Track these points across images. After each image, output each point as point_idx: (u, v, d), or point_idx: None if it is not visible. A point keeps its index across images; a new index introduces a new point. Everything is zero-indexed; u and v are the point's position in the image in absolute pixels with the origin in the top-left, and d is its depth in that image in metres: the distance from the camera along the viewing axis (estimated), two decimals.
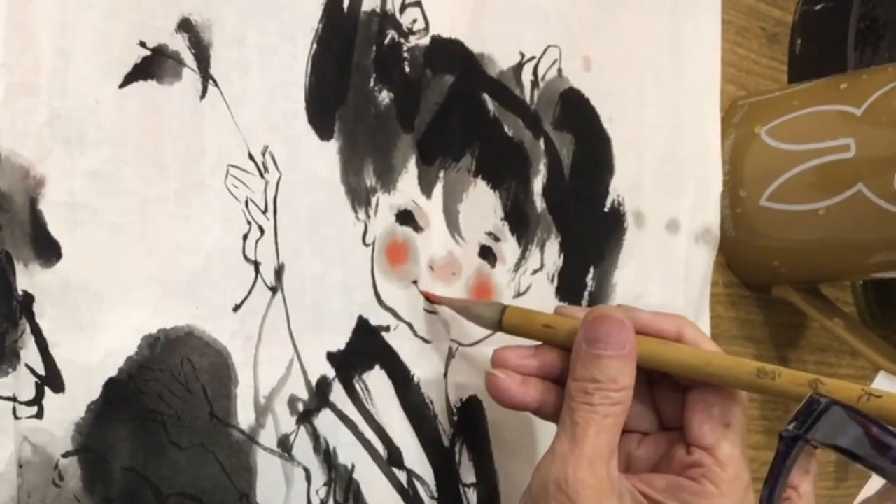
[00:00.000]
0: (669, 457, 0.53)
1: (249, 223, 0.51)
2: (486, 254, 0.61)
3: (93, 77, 0.46)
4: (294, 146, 0.53)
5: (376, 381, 0.56)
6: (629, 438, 0.55)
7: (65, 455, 0.45)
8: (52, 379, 0.45)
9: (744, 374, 0.51)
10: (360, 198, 0.56)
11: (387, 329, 0.57)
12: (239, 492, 0.50)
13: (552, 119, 0.65)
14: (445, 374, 0.59)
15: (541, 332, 0.55)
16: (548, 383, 0.54)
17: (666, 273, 0.71)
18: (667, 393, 0.55)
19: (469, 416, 0.60)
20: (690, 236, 0.73)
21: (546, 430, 0.60)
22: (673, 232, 0.71)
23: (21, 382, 0.44)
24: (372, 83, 0.56)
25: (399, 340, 0.57)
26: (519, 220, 0.62)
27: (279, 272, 0.52)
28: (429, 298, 0.58)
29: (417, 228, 0.58)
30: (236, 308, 0.51)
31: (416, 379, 0.58)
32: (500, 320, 0.56)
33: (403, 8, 0.58)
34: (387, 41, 0.57)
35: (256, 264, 0.52)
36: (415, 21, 0.58)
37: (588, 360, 0.51)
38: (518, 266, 0.63)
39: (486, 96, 0.61)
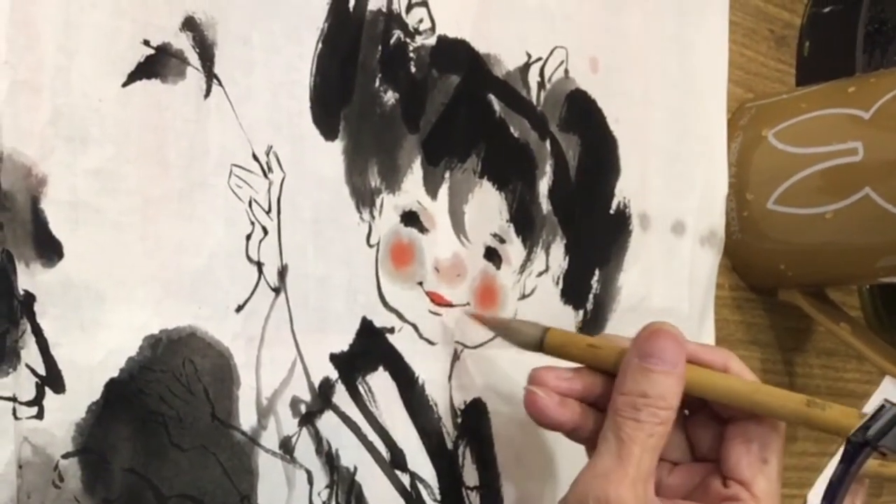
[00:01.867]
0: (704, 487, 0.53)
1: (253, 223, 0.51)
2: (492, 255, 0.61)
3: (96, 75, 0.46)
4: (298, 146, 0.53)
5: (380, 383, 0.56)
6: (660, 466, 0.54)
7: (65, 456, 0.45)
8: (52, 379, 0.44)
9: (792, 403, 0.50)
10: (364, 198, 0.55)
11: (391, 330, 0.56)
12: (240, 494, 0.50)
13: (558, 120, 0.64)
14: (450, 377, 0.59)
15: (584, 352, 0.54)
16: (584, 406, 0.54)
17: (671, 276, 0.71)
18: (703, 424, 0.55)
19: (473, 418, 0.60)
20: (696, 239, 0.72)
21: (549, 432, 0.60)
22: (678, 234, 0.71)
23: (21, 382, 0.44)
24: (377, 83, 0.56)
25: (403, 342, 0.57)
26: (524, 221, 0.62)
27: (282, 273, 0.52)
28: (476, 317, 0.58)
29: (422, 229, 0.58)
30: (239, 309, 0.50)
31: (420, 381, 0.57)
32: (542, 340, 0.55)
33: (409, 8, 0.58)
34: (393, 41, 0.57)
35: (259, 265, 0.51)
36: (421, 21, 0.58)
37: (639, 374, 0.50)
38: (523, 268, 0.62)
39: (491, 97, 0.61)
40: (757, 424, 0.52)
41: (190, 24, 0.49)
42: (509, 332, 0.57)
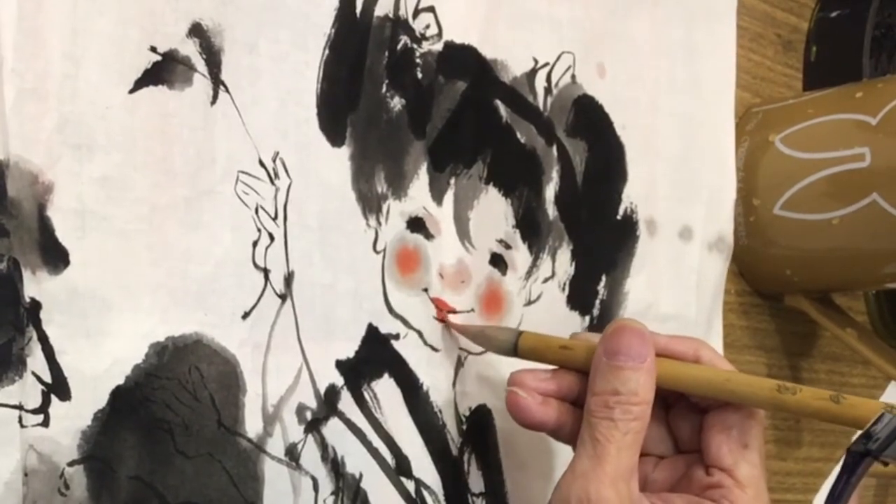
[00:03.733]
0: (688, 478, 0.53)
1: (259, 230, 0.51)
2: (497, 261, 0.61)
3: (103, 83, 0.46)
4: (305, 153, 0.53)
5: (385, 390, 0.56)
6: (645, 461, 0.54)
7: (71, 464, 0.45)
8: (58, 387, 0.44)
9: (764, 389, 0.50)
10: (370, 205, 0.55)
11: (396, 337, 0.56)
12: (246, 501, 0.50)
13: (565, 126, 0.64)
14: (454, 383, 0.59)
15: (557, 355, 0.54)
16: (566, 405, 0.54)
17: (678, 281, 0.70)
18: (683, 415, 0.55)
19: (478, 425, 0.59)
20: (703, 244, 0.72)
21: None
22: (686, 240, 0.71)
23: (27, 390, 0.44)
24: (384, 89, 0.56)
25: (408, 348, 0.57)
26: (530, 227, 0.62)
27: (289, 279, 0.52)
28: (443, 320, 0.58)
29: (428, 236, 0.58)
30: (245, 316, 0.50)
31: (424, 387, 0.57)
32: (516, 345, 0.55)
33: (416, 13, 0.57)
34: (399, 47, 0.57)
35: (266, 271, 0.51)
36: (428, 26, 0.58)
37: (608, 373, 0.50)
38: (529, 274, 0.62)
39: (498, 103, 0.61)
40: (734, 411, 0.53)
41: (197, 31, 0.49)
42: (485, 338, 0.57)
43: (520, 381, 0.54)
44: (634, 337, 0.51)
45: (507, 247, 0.61)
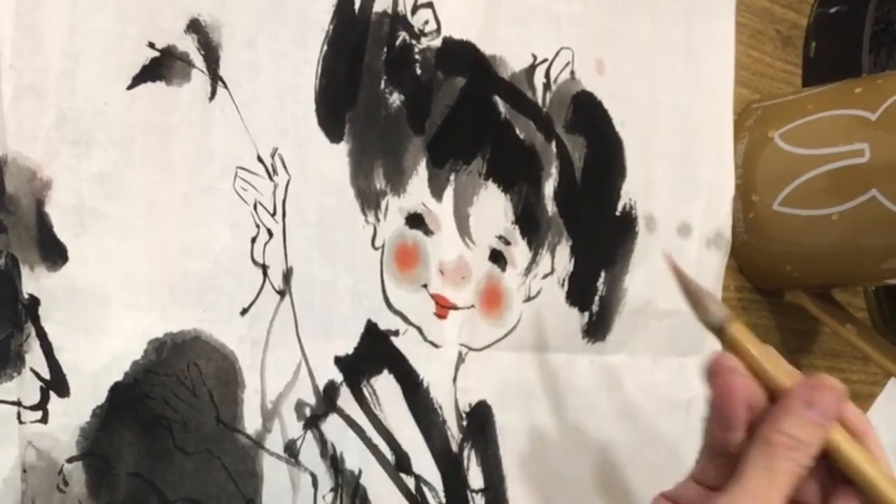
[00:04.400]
0: None
1: (258, 226, 0.51)
2: (497, 258, 0.61)
3: (101, 79, 0.46)
4: (303, 149, 0.53)
5: (384, 386, 0.56)
6: None
7: (69, 460, 0.45)
8: (57, 383, 0.44)
9: None
10: (369, 201, 0.55)
11: (395, 333, 0.56)
12: (245, 497, 0.50)
13: (564, 122, 0.64)
14: (454, 379, 0.58)
15: (754, 363, 0.50)
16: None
17: None
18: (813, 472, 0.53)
19: (478, 421, 0.59)
20: (702, 241, 0.72)
21: (555, 435, 0.60)
22: (684, 236, 0.71)
23: (26, 387, 0.44)
24: (383, 85, 0.56)
25: (408, 345, 0.57)
26: (530, 223, 0.62)
27: (287, 276, 0.52)
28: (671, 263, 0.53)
29: (427, 232, 0.57)
30: (244, 312, 0.50)
31: (424, 384, 0.57)
32: (723, 327, 0.52)
33: (415, 9, 0.57)
34: (398, 43, 0.57)
35: (264, 268, 0.51)
36: (426, 22, 0.58)
37: (804, 422, 0.50)
38: (528, 270, 0.62)
39: (497, 99, 0.61)
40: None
41: (195, 27, 0.49)
42: (695, 298, 0.51)
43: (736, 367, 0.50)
44: (836, 398, 0.50)
45: (507, 243, 0.61)
